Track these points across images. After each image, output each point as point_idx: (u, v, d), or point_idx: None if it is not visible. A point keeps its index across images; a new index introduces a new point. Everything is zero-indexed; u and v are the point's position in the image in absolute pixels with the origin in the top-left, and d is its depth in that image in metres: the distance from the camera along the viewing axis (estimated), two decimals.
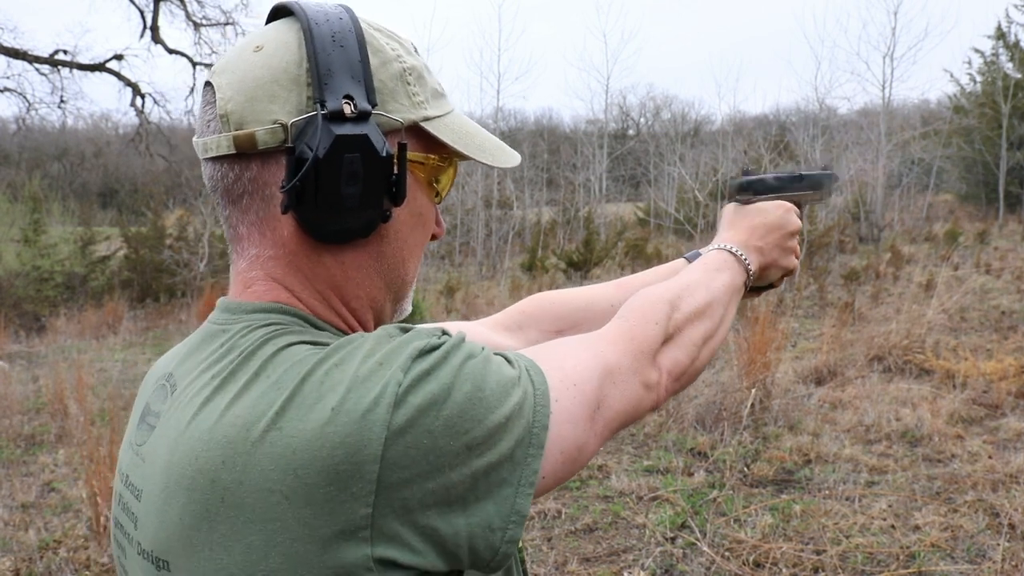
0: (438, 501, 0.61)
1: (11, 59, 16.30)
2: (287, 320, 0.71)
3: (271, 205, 0.71)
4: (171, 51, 17.63)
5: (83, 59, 17.21)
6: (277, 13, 0.76)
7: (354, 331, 0.76)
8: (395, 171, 0.70)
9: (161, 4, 17.12)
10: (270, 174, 0.70)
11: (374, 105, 0.70)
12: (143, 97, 17.80)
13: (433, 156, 0.76)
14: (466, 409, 0.61)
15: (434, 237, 0.81)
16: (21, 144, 27.69)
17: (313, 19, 0.71)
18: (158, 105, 18.14)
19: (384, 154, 0.68)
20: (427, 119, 0.74)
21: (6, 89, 16.95)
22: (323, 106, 0.67)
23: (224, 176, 0.72)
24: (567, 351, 0.75)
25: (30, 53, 16.37)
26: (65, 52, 16.89)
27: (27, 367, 8.26)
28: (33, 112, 18.04)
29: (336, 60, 0.69)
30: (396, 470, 0.59)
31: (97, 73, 17.39)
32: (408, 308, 0.82)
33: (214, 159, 0.72)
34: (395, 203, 0.71)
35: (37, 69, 16.90)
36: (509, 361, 0.69)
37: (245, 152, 0.69)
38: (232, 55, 0.73)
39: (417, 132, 0.74)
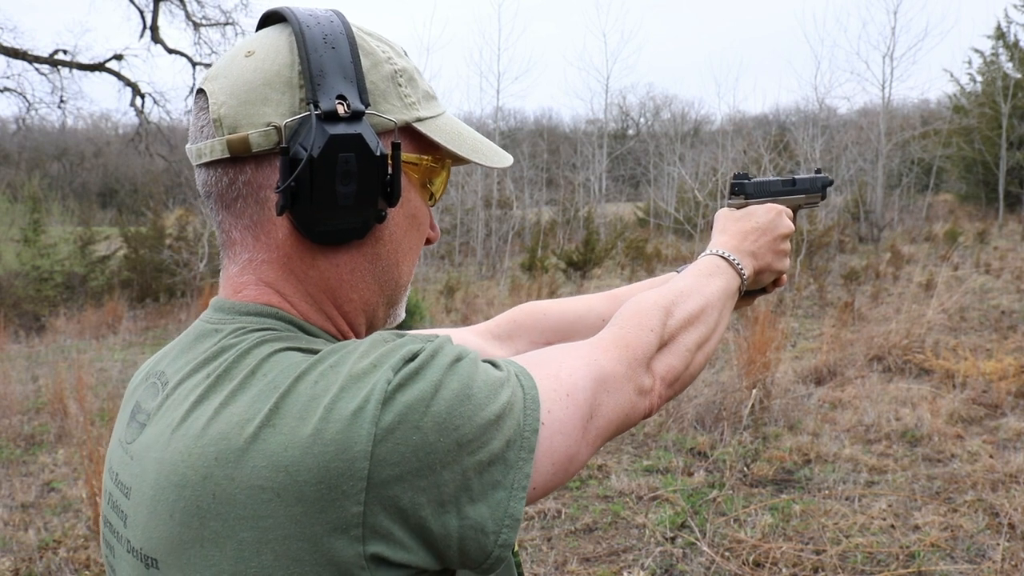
0: (430, 500, 0.61)
1: (11, 59, 16.28)
2: (280, 326, 0.72)
3: (265, 208, 0.71)
4: (171, 51, 17.62)
5: (83, 59, 17.19)
6: (267, 21, 0.77)
7: (345, 336, 0.77)
8: (389, 171, 0.70)
9: (161, 4, 17.11)
10: (264, 177, 0.70)
11: (367, 105, 0.70)
12: (143, 97, 17.79)
13: (426, 157, 0.76)
14: (454, 406, 0.62)
15: (428, 241, 0.82)
16: (21, 144, 27.66)
17: (304, 22, 0.71)
18: (158, 105, 18.11)
19: (378, 153, 0.68)
20: (419, 120, 0.75)
21: (6, 89, 16.93)
22: (316, 106, 0.67)
23: (218, 181, 0.72)
24: (561, 359, 0.75)
25: (30, 53, 16.35)
26: (65, 52, 16.88)
27: (27, 367, 8.25)
28: (33, 112, 18.03)
29: (328, 61, 0.69)
30: (386, 467, 0.59)
31: (97, 73, 17.37)
32: (402, 314, 0.82)
33: (208, 164, 0.72)
34: (390, 203, 0.71)
35: (37, 69, 16.88)
36: (496, 365, 0.69)
37: (239, 156, 0.69)
38: (224, 61, 0.74)
39: (410, 133, 0.75)
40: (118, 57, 17.17)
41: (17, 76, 17.15)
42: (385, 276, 0.76)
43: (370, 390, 0.61)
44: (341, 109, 0.68)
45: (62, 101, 17.49)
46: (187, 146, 0.75)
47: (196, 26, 17.39)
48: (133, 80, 17.64)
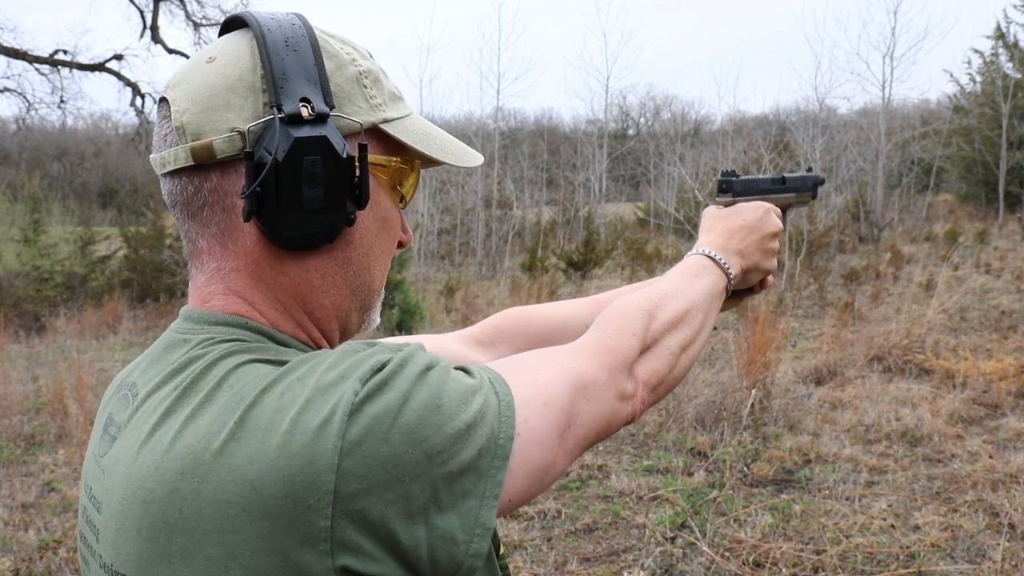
0: (400, 512, 0.60)
1: (11, 59, 16.29)
2: (249, 336, 0.71)
3: (232, 215, 0.70)
4: (171, 51, 17.61)
5: (83, 59, 17.20)
6: (228, 27, 0.76)
7: (318, 344, 0.76)
8: (357, 173, 0.69)
9: (161, 4, 17.11)
10: (230, 184, 0.69)
11: (332, 108, 0.69)
12: (143, 97, 17.77)
13: (395, 159, 0.75)
14: (423, 417, 0.61)
15: (401, 245, 0.80)
16: (21, 144, 27.69)
17: (265, 26, 0.70)
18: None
19: (345, 155, 0.67)
20: (386, 121, 0.74)
21: (6, 89, 16.94)
22: (280, 110, 0.66)
23: (183, 189, 0.71)
24: (538, 366, 0.73)
25: (30, 53, 16.36)
26: (65, 52, 16.89)
27: (27, 367, 8.25)
28: (33, 112, 18.05)
29: (290, 64, 0.69)
30: (353, 480, 0.58)
31: (97, 73, 17.37)
32: (376, 319, 0.81)
33: (172, 173, 0.71)
34: (359, 206, 0.70)
35: (37, 69, 16.90)
36: (469, 372, 0.68)
37: (204, 163, 0.68)
38: (185, 68, 0.73)
39: (377, 135, 0.74)
40: (118, 57, 17.17)
41: (17, 76, 17.18)
42: (357, 281, 0.75)
43: (336, 402, 0.59)
44: (305, 112, 0.67)
45: (62, 101, 17.50)
46: (151, 156, 0.74)
47: (196, 26, 17.39)
48: (133, 80, 17.66)
